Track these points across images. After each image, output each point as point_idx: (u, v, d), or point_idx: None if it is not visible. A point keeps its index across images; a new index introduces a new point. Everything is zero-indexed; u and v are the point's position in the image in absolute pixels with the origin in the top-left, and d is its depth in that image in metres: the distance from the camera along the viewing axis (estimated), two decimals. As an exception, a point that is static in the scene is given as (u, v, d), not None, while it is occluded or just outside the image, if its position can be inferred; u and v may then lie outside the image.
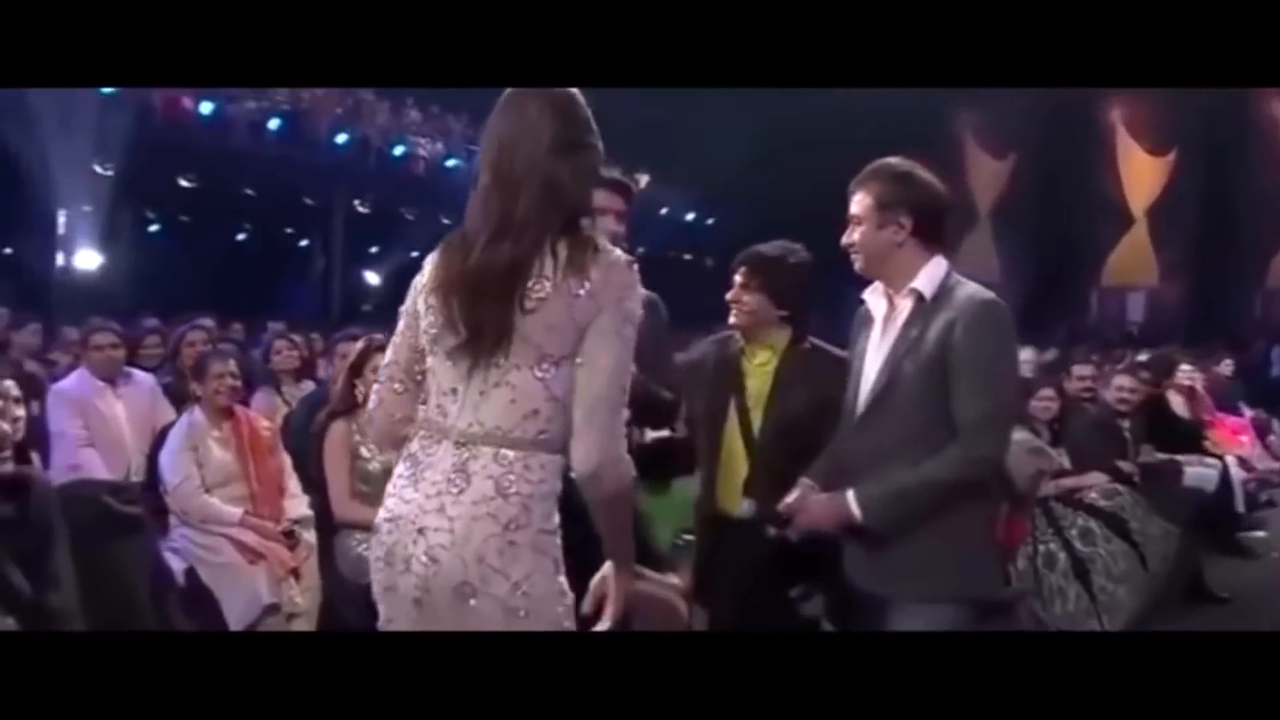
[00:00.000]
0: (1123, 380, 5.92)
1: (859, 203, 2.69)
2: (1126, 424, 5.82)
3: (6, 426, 2.41)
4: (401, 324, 2.09)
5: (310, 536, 4.29)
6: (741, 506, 3.01)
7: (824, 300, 3.34)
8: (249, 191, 16.05)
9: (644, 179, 19.70)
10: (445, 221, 13.23)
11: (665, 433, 3.79)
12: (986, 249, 21.25)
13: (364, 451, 4.20)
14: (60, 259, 13.99)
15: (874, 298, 2.78)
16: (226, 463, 4.32)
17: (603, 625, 2.03)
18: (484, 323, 1.90)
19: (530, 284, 1.89)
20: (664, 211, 20.63)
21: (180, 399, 4.86)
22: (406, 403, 2.08)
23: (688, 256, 21.06)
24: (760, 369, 3.25)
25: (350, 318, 13.18)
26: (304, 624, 4.07)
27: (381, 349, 2.56)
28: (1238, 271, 19.67)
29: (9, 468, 2.44)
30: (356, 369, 4.21)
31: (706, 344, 3.42)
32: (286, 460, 4.54)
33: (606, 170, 3.10)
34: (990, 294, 2.65)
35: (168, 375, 5.42)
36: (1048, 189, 20.44)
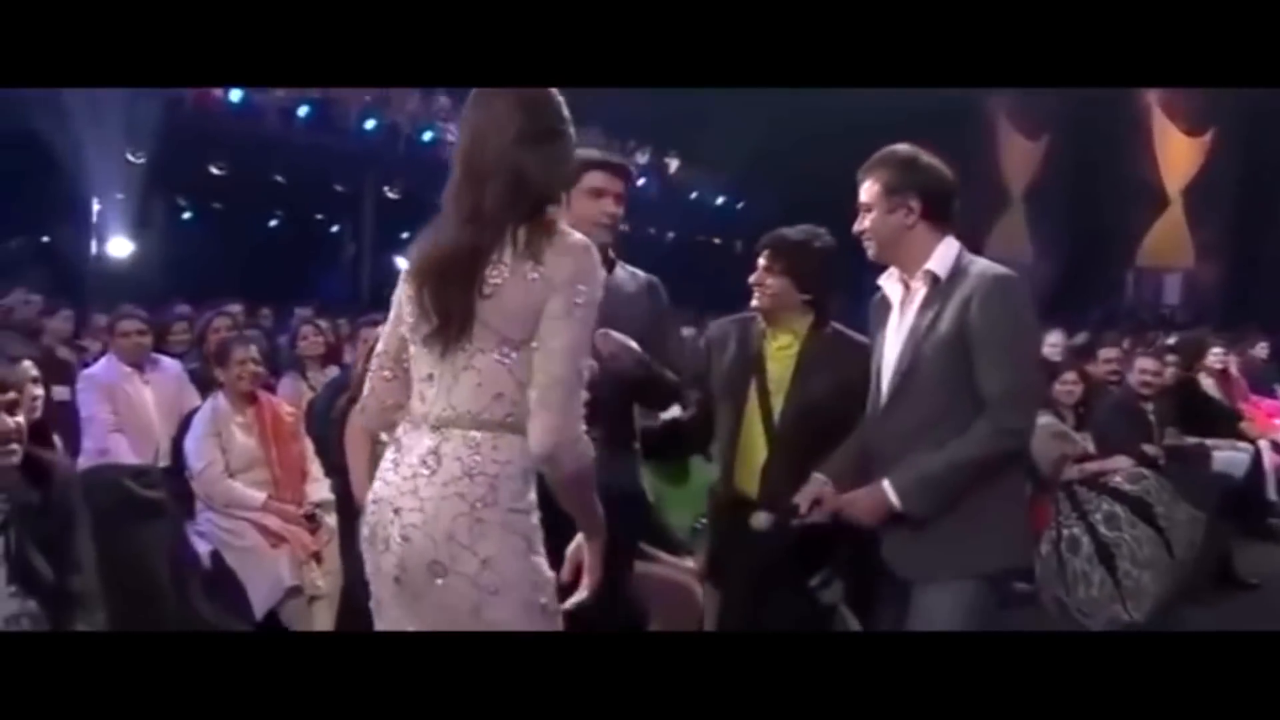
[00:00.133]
0: (1146, 363, 5.84)
1: (867, 190, 2.73)
2: (1151, 407, 5.75)
3: (10, 421, 2.43)
4: (391, 313, 2.15)
5: (332, 520, 4.34)
6: (759, 518, 3.00)
7: (848, 285, 3.34)
8: (279, 178, 16.12)
9: (674, 163, 19.68)
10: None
11: (675, 413, 3.79)
12: (1020, 231, 21.02)
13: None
14: (94, 247, 14.14)
15: (889, 283, 2.81)
16: (249, 448, 4.38)
17: (580, 594, 2.07)
18: (449, 309, 1.96)
19: (489, 270, 1.94)
20: (693, 195, 20.56)
21: (206, 385, 4.91)
22: (397, 390, 2.14)
23: (717, 240, 21.00)
24: (782, 353, 3.24)
25: (379, 304, 13.02)
26: (325, 606, 4.12)
27: None
28: (1275, 253, 19.32)
29: (15, 456, 2.46)
30: (377, 355, 4.23)
31: (728, 322, 3.41)
32: (308, 445, 4.59)
33: (607, 153, 3.11)
34: (1004, 269, 2.68)
35: (195, 361, 5.48)
36: (1082, 170, 20.13)
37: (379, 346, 2.19)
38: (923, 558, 2.66)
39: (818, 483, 2.84)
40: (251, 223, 18.18)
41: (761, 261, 3.22)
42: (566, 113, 2.06)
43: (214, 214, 17.56)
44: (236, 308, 7.27)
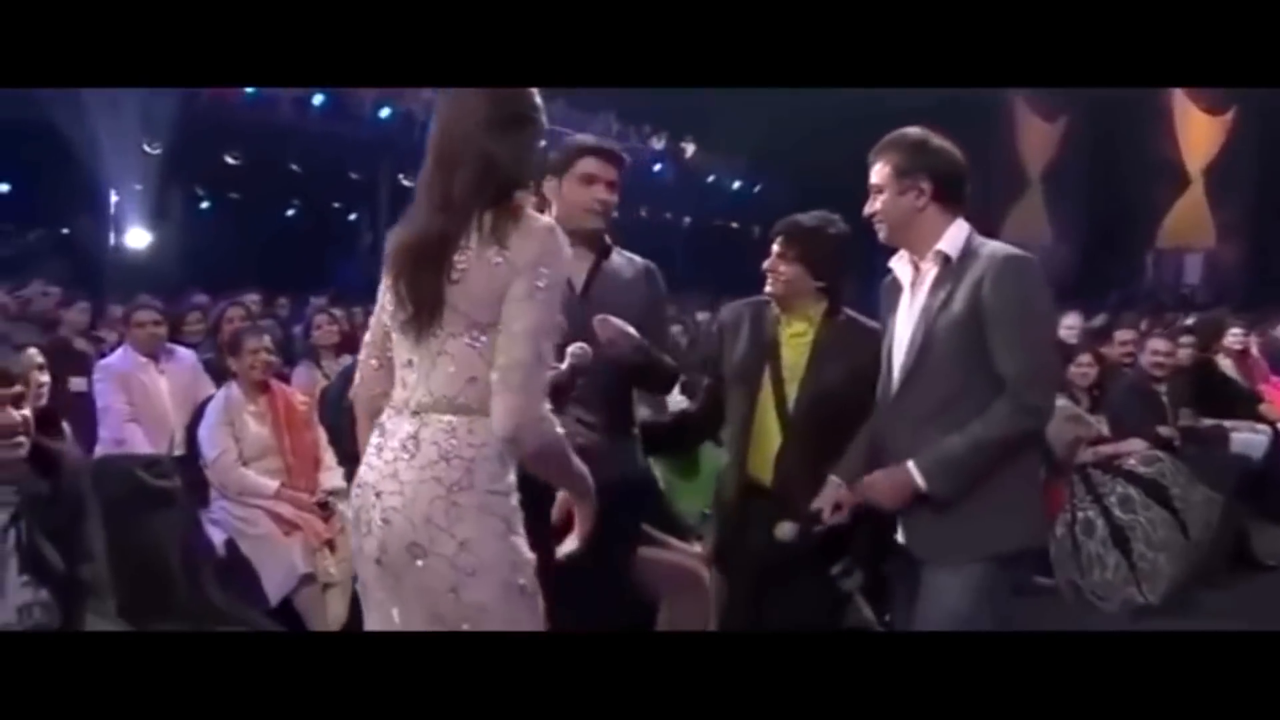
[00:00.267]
0: (1158, 344, 5.77)
1: (878, 172, 2.73)
2: (1164, 389, 5.69)
3: (16, 415, 2.45)
4: (377, 303, 2.17)
5: (345, 508, 4.35)
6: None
7: (861, 271, 3.33)
8: (295, 167, 16.18)
9: (690, 148, 19.63)
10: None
11: (683, 404, 3.79)
12: (1038, 214, 20.91)
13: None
14: (113, 238, 14.24)
15: (900, 265, 2.82)
16: (262, 436, 4.41)
17: (570, 544, 2.10)
18: (421, 295, 1.99)
19: (456, 256, 1.97)
20: (710, 180, 20.52)
21: (221, 374, 4.94)
22: (384, 378, 2.16)
23: (734, 225, 20.96)
24: (796, 339, 3.22)
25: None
26: (339, 594, 4.14)
27: None
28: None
29: (23, 449, 2.47)
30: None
31: (741, 306, 3.39)
32: (322, 433, 4.62)
33: (601, 139, 3.10)
34: (1017, 250, 2.68)
35: (210, 351, 5.51)
36: (1101, 150, 19.99)
37: (367, 336, 2.23)
38: (938, 538, 2.66)
39: (834, 486, 2.86)
40: (268, 212, 18.27)
41: (775, 248, 3.20)
42: (538, 100, 2.08)
43: (231, 204, 17.65)
44: (254, 297, 7.30)
